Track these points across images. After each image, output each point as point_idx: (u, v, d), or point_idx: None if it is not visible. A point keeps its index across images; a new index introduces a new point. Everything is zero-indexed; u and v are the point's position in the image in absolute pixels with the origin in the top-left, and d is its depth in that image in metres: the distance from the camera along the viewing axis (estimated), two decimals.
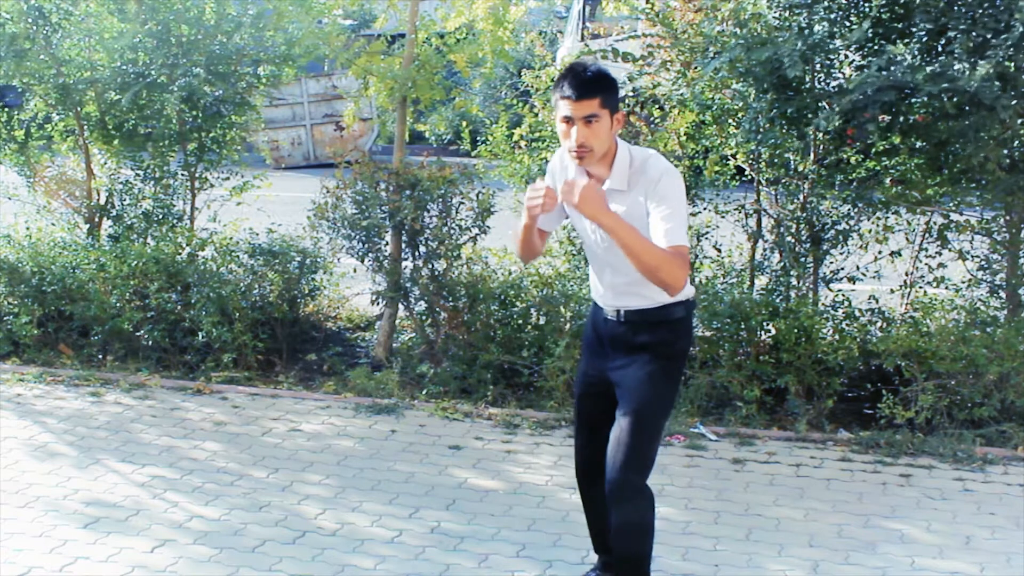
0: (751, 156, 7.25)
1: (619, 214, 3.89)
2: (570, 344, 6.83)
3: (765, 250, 7.29)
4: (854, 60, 6.02)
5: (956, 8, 6.15)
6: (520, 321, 7.27)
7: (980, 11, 6.08)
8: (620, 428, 4.09)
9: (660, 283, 3.82)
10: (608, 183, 4.01)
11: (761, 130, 6.65)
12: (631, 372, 4.14)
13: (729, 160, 7.46)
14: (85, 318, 7.86)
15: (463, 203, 7.54)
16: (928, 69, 5.85)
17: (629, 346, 4.17)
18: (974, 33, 5.95)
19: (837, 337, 6.75)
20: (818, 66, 6.63)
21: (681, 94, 7.02)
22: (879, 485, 5.81)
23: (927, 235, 7.10)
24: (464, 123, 9.46)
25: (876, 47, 5.95)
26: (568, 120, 3.92)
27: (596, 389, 4.34)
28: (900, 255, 7.10)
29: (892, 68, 5.92)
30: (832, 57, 6.11)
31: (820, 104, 6.49)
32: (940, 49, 6.17)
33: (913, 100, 6.29)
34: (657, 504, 5.49)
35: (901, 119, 6.42)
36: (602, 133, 3.93)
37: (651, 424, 4.10)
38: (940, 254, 7.04)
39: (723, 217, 7.42)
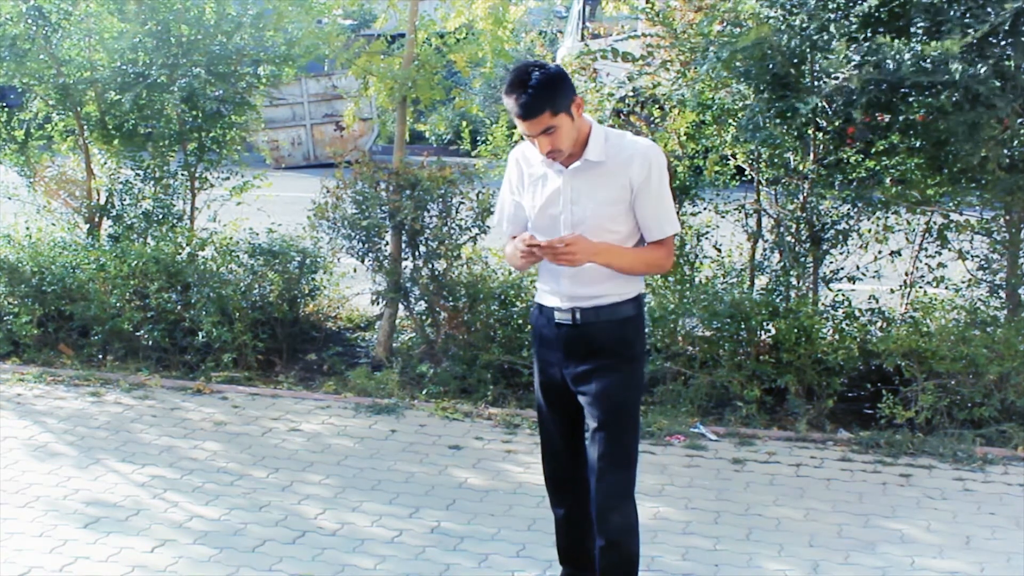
0: (751, 156, 7.25)
1: (598, 192, 3.89)
2: None
3: (765, 250, 7.29)
4: (852, 59, 6.00)
5: (951, 4, 6.14)
6: (520, 321, 7.27)
7: (975, 4, 6.06)
8: (598, 448, 3.98)
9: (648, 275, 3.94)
10: (586, 156, 3.91)
11: (759, 129, 6.65)
12: (595, 381, 3.99)
13: (729, 160, 7.46)
14: (85, 318, 7.87)
15: (463, 203, 7.54)
16: (915, 59, 5.82)
17: (587, 351, 4.00)
18: (969, 27, 5.93)
19: (837, 337, 6.76)
20: (816, 67, 6.62)
21: (681, 94, 7.01)
22: (879, 485, 5.81)
23: (927, 235, 7.10)
24: (464, 123, 9.50)
25: (871, 45, 5.95)
26: (527, 134, 3.86)
27: (556, 397, 4.16)
28: (900, 255, 7.11)
29: (883, 61, 5.90)
30: (829, 57, 6.10)
31: (807, 101, 6.48)
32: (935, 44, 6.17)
33: (911, 99, 6.29)
34: (657, 504, 5.53)
35: (901, 118, 6.42)
36: (565, 134, 3.85)
37: (628, 434, 4.02)
38: (940, 254, 7.04)
39: (723, 217, 7.41)
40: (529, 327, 7.26)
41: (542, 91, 3.75)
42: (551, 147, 3.85)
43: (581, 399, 4.06)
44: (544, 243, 3.84)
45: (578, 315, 4.00)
